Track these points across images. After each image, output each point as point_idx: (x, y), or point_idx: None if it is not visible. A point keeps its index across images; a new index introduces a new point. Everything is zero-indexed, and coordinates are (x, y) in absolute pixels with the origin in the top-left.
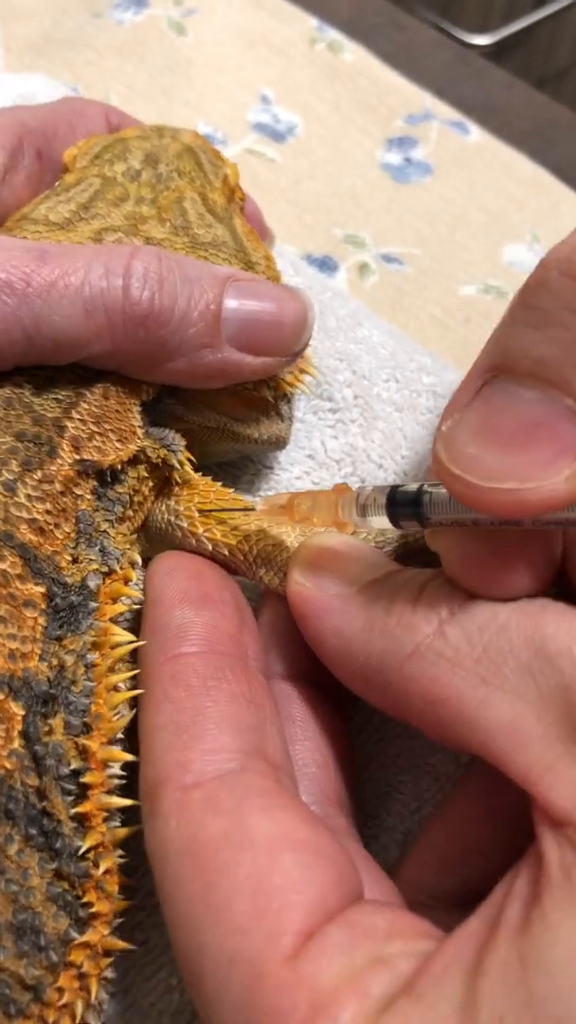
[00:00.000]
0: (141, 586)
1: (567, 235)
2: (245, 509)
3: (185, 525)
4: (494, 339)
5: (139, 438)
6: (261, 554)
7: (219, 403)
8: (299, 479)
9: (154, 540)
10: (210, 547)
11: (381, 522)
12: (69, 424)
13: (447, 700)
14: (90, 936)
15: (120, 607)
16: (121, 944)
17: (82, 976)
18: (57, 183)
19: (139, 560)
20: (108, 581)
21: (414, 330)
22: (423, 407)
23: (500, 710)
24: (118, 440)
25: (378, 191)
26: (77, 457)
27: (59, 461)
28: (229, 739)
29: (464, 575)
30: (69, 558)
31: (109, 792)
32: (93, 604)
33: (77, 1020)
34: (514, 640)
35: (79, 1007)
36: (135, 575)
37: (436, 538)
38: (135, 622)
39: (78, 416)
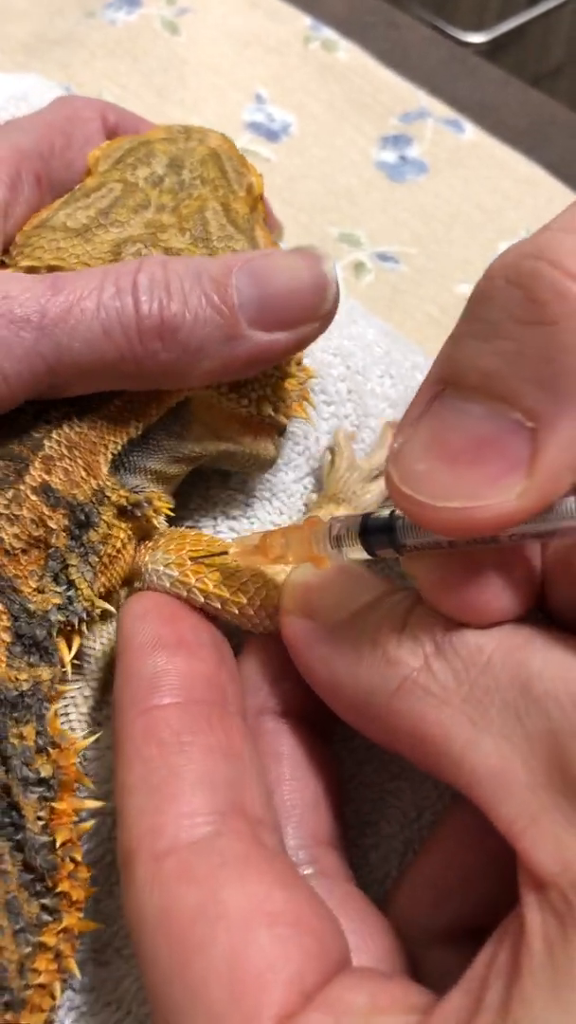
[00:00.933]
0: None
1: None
2: (221, 553)
3: (176, 574)
4: (443, 351)
5: (103, 476)
6: (264, 603)
7: (226, 431)
8: (295, 483)
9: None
10: (202, 599)
11: (357, 552)
12: (46, 443)
13: (434, 738)
14: (66, 921)
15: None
16: (94, 925)
17: (58, 956)
18: (78, 186)
19: (113, 611)
20: (67, 632)
21: (410, 328)
22: None
23: (487, 753)
24: (83, 469)
25: (373, 190)
26: (45, 478)
27: (28, 479)
28: (204, 800)
29: (443, 602)
30: (34, 587)
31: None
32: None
33: (57, 1000)
34: (500, 679)
35: (57, 988)
36: (106, 630)
37: (412, 565)
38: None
39: (56, 437)
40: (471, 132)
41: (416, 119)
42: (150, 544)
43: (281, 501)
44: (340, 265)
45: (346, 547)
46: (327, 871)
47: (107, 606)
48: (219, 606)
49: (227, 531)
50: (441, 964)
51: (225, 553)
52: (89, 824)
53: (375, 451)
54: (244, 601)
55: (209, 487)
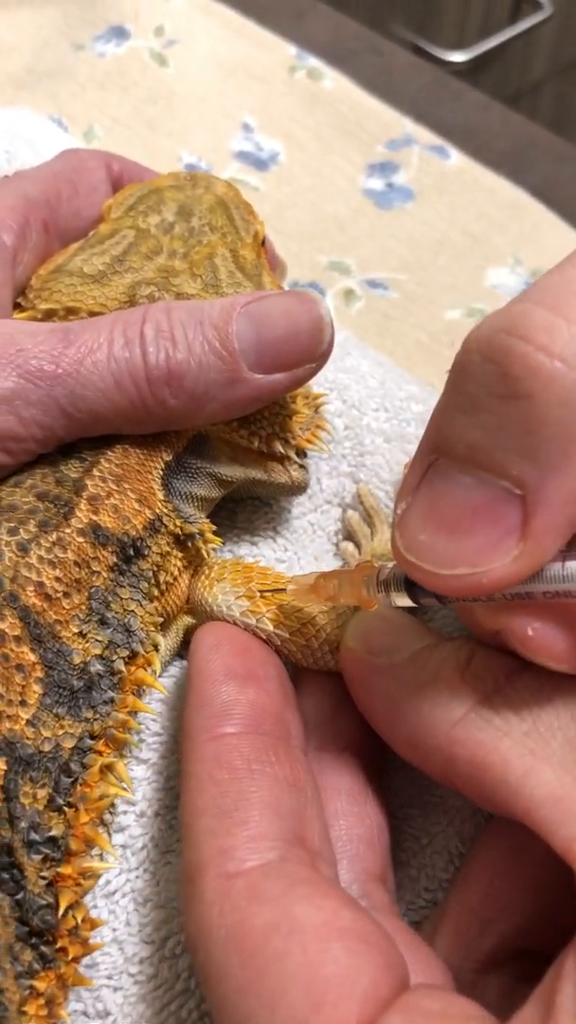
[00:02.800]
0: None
1: (492, 312)
2: (278, 590)
3: (247, 606)
4: (433, 420)
5: (160, 501)
6: (325, 642)
7: (243, 458)
8: (297, 519)
9: (202, 620)
10: (270, 629)
11: (403, 599)
12: (89, 483)
13: (493, 766)
14: (61, 970)
15: (140, 704)
16: (89, 982)
17: (49, 1003)
18: (92, 233)
19: (162, 643)
20: (132, 668)
21: (400, 355)
22: (411, 435)
23: (546, 780)
24: (137, 500)
25: (361, 217)
26: (93, 519)
27: (74, 522)
28: (271, 826)
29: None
30: (75, 631)
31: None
32: (101, 692)
33: None
34: (562, 716)
35: None
36: (157, 661)
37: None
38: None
39: (98, 474)
40: (456, 158)
41: (402, 146)
42: (209, 574)
43: (285, 539)
44: (331, 293)
45: (393, 593)
46: (378, 906)
47: (161, 640)
48: (281, 641)
49: None
50: (485, 991)
51: (284, 590)
52: (92, 882)
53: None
54: (304, 640)
55: (219, 526)
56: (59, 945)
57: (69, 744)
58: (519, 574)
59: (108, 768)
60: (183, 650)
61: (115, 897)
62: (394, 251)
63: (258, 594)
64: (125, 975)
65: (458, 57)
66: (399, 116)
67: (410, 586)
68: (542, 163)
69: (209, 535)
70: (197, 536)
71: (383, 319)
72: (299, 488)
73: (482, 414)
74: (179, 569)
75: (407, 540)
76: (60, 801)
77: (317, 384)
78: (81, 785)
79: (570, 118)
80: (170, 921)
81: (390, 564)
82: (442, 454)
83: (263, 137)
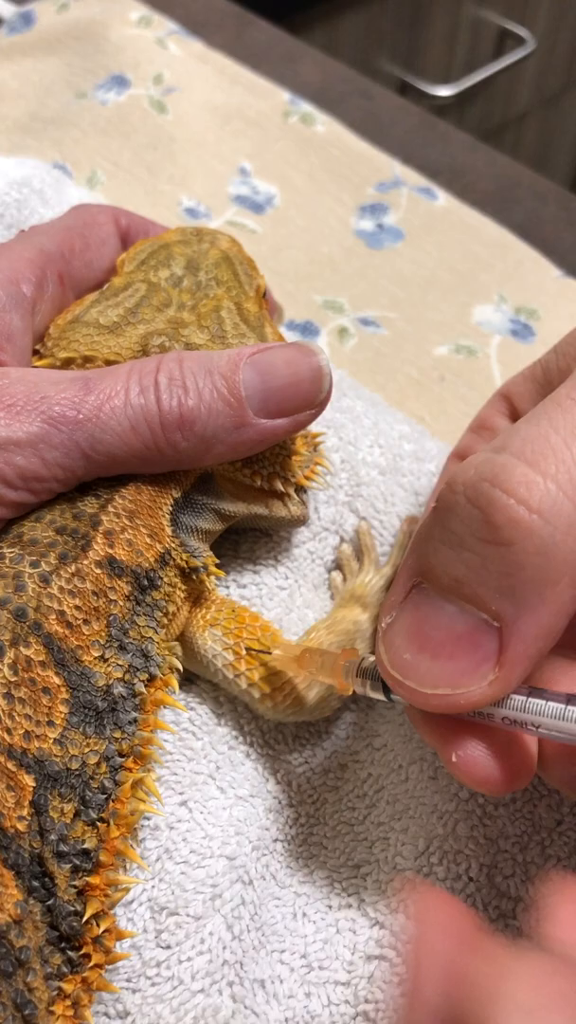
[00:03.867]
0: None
1: (477, 455)
2: (264, 652)
3: (231, 659)
4: (418, 546)
5: (168, 536)
6: (290, 705)
7: (245, 495)
8: (297, 548)
9: (187, 655)
10: (244, 686)
11: (377, 693)
12: (104, 518)
13: None
14: (86, 974)
15: (162, 723)
16: (115, 988)
17: (75, 1005)
18: (106, 286)
19: (180, 666)
20: (152, 689)
21: (393, 389)
22: (405, 469)
23: None
24: (148, 535)
25: (353, 257)
26: (109, 552)
27: (92, 554)
28: None
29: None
30: (96, 655)
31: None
32: (125, 713)
33: None
34: None
35: None
36: (175, 682)
37: (412, 714)
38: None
39: (113, 511)
40: (443, 198)
41: (391, 188)
42: (206, 614)
43: (286, 567)
44: (325, 331)
45: (370, 685)
46: None
47: (178, 664)
48: (250, 697)
49: (238, 597)
50: None
51: (269, 653)
52: (121, 894)
53: (394, 553)
54: (272, 702)
55: (222, 556)
56: (84, 951)
57: (93, 760)
58: (493, 697)
59: (138, 784)
60: None
61: (132, 905)
62: (385, 290)
63: (244, 652)
64: (143, 978)
65: (444, 92)
66: (388, 159)
67: (385, 683)
68: (525, 201)
69: (213, 568)
70: (202, 569)
71: (375, 356)
72: (299, 522)
73: (466, 552)
74: (181, 600)
75: (392, 657)
76: (93, 815)
77: (318, 425)
78: (113, 802)
79: (553, 147)
80: (184, 926)
81: (371, 657)
82: (427, 580)
83: (259, 181)
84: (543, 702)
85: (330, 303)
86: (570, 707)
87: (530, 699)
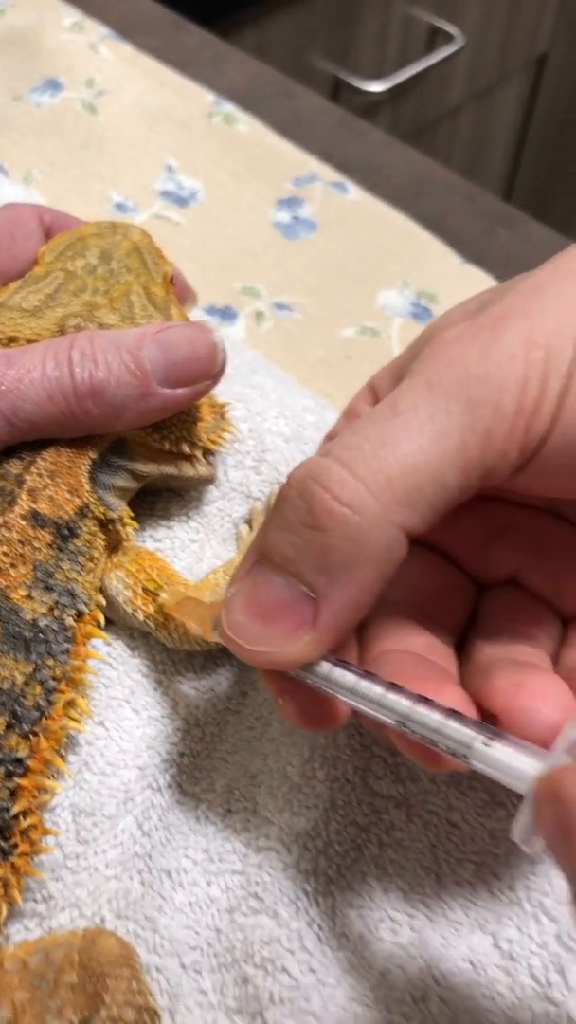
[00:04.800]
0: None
1: (310, 458)
2: (156, 593)
3: (129, 595)
4: (262, 531)
5: (87, 492)
6: (181, 637)
7: (156, 457)
8: (207, 506)
9: (107, 599)
10: (142, 618)
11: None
12: (28, 477)
13: None
14: (14, 861)
15: (92, 653)
16: (40, 875)
17: (5, 885)
18: (28, 274)
19: (104, 603)
20: (81, 624)
21: (304, 368)
22: (307, 438)
23: None
24: (68, 491)
25: (271, 247)
26: (32, 506)
27: (17, 509)
28: None
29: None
30: (24, 594)
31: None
32: (58, 644)
33: (1, 920)
34: None
35: (3, 910)
36: (102, 617)
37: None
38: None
39: (35, 471)
40: (355, 193)
41: (307, 183)
42: (114, 559)
43: (197, 523)
44: (243, 314)
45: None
46: None
47: (102, 599)
48: (151, 626)
49: (153, 549)
50: None
51: (158, 595)
52: (48, 797)
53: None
54: (167, 632)
55: (139, 513)
56: (13, 841)
57: (20, 680)
58: (307, 657)
59: (70, 704)
60: None
61: (56, 811)
62: (300, 277)
63: (141, 591)
64: (64, 868)
65: (377, 87)
66: (305, 155)
67: None
68: (435, 195)
69: (128, 520)
70: (117, 521)
71: (288, 338)
72: (207, 481)
73: (294, 536)
74: (102, 548)
75: (230, 619)
76: (27, 729)
77: (229, 398)
78: (46, 719)
79: (490, 139)
80: (100, 825)
81: None
82: (264, 558)
83: (184, 177)
84: (343, 673)
85: (248, 289)
86: (362, 682)
87: (334, 669)
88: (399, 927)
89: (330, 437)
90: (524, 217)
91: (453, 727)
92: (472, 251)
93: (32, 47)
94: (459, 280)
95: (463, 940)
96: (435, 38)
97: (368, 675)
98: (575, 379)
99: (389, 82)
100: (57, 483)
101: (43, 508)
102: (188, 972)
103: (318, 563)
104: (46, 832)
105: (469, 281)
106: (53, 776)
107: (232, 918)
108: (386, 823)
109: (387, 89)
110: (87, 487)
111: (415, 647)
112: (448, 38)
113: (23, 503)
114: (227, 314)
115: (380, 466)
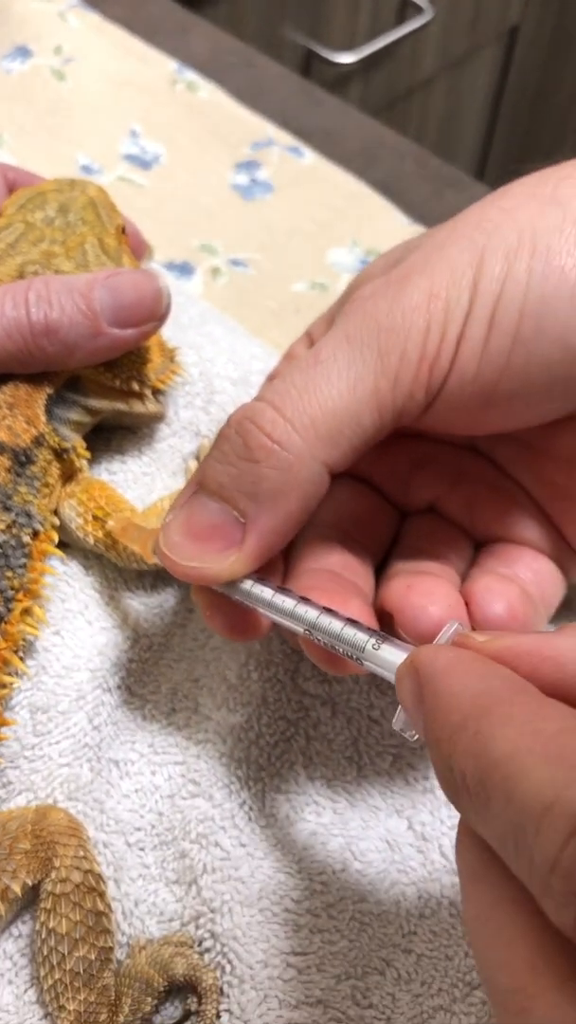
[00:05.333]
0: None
1: (250, 400)
2: (104, 519)
3: (80, 522)
4: (202, 463)
5: (43, 423)
6: (128, 557)
7: (108, 394)
8: (159, 443)
9: (62, 524)
10: (92, 542)
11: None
12: None
13: None
14: None
15: (47, 567)
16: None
17: None
18: None
19: (58, 523)
20: (37, 542)
21: (256, 320)
22: (254, 383)
23: None
24: (25, 422)
25: (228, 207)
26: None
27: None
28: None
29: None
30: None
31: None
32: (16, 559)
33: None
34: None
35: None
36: (56, 537)
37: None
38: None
39: None
40: (310, 157)
41: (264, 147)
42: (67, 488)
43: (149, 457)
44: (200, 269)
45: None
46: None
47: (56, 521)
48: (102, 548)
49: (108, 477)
50: None
51: (106, 522)
52: (7, 691)
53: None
54: (115, 553)
55: (96, 448)
56: None
57: None
58: (232, 574)
59: (27, 612)
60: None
61: (16, 709)
62: (255, 235)
63: (91, 518)
64: (21, 758)
65: (347, 59)
66: (263, 121)
67: None
68: (387, 160)
69: (80, 450)
70: (71, 450)
71: (241, 292)
72: (156, 418)
73: (229, 466)
74: (57, 475)
75: (166, 538)
76: None
77: (182, 345)
78: (4, 623)
79: (462, 108)
80: (54, 719)
81: None
82: (202, 487)
83: (148, 142)
84: (262, 589)
85: (205, 246)
86: (277, 596)
87: (255, 585)
88: (322, 810)
89: (271, 378)
90: (469, 180)
91: (349, 632)
92: (420, 212)
93: (2, 15)
94: (406, 239)
95: (381, 823)
96: (406, 9)
97: (282, 591)
98: (469, 325)
99: (360, 53)
100: (15, 414)
101: (2, 436)
102: (133, 849)
103: (249, 490)
104: (5, 723)
105: None
106: (12, 674)
107: (173, 802)
108: (313, 719)
109: (358, 60)
110: (43, 419)
111: (332, 565)
112: (418, 10)
113: None
114: (185, 269)
115: (305, 408)
